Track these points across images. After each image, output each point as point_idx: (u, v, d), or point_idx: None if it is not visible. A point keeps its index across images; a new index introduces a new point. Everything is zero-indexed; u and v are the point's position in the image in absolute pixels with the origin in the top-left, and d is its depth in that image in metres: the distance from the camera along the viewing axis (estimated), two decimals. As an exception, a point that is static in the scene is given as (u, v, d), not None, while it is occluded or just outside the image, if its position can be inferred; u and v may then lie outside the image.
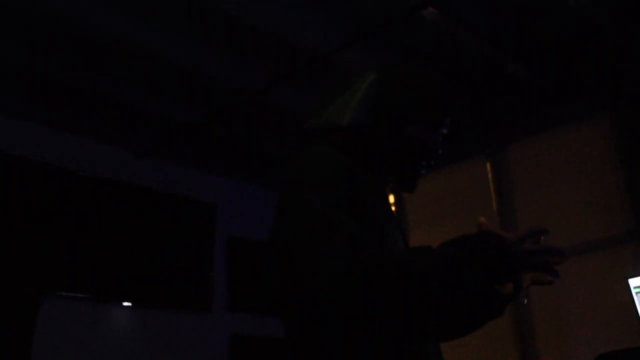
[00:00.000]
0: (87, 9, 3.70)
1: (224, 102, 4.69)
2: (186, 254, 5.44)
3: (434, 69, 1.62)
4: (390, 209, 1.55)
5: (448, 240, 1.26)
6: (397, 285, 1.17)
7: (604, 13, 4.06)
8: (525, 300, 1.42)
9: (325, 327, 1.26)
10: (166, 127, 5.03)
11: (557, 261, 1.32)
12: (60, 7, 3.66)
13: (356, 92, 1.55)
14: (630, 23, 4.20)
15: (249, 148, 5.53)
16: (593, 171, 4.70)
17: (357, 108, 1.52)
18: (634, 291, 3.88)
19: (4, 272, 4.37)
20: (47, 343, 4.44)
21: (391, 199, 5.90)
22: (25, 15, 3.72)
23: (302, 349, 1.32)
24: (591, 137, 4.78)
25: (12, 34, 3.89)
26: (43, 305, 4.50)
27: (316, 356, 1.29)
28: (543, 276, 1.42)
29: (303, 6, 3.86)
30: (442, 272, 1.19)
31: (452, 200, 5.55)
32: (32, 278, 4.49)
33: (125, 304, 4.99)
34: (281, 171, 1.42)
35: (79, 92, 4.53)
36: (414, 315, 1.23)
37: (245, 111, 4.84)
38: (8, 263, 4.40)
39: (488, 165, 5.36)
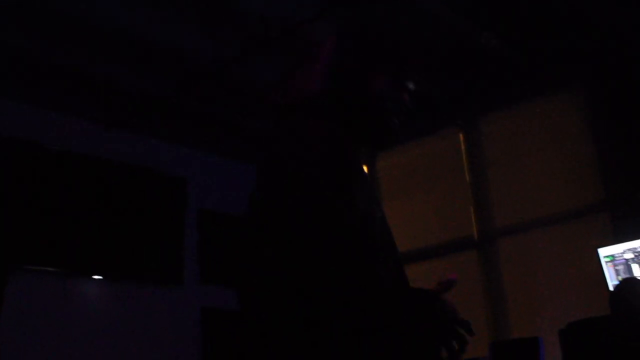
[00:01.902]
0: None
1: (195, 74, 4.63)
2: (157, 227, 5.39)
3: (399, 34, 1.63)
4: (368, 178, 1.55)
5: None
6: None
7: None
8: None
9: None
10: (136, 99, 4.94)
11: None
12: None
13: (318, 59, 1.56)
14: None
15: (219, 120, 5.47)
16: (565, 143, 4.73)
17: (322, 74, 1.53)
18: (603, 260, 3.93)
19: (-29, 247, 4.30)
20: (15, 318, 4.38)
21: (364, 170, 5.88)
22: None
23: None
24: (563, 109, 4.80)
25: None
26: (11, 279, 4.43)
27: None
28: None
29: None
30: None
31: (425, 172, 5.57)
32: (-1, 252, 4.43)
33: (96, 277, 4.94)
34: (269, 145, 1.41)
35: (47, 65, 4.43)
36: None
37: (216, 83, 4.78)
38: (-26, 237, 4.32)
39: (461, 137, 5.37)
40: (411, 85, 1.59)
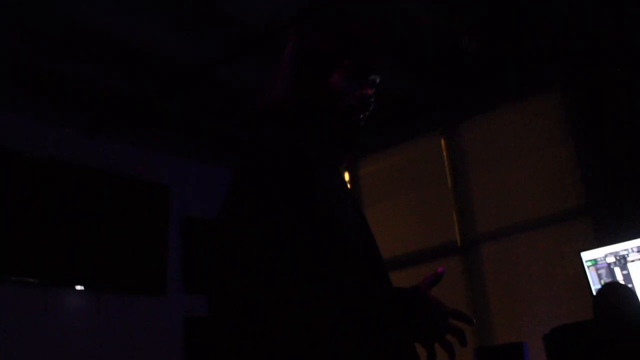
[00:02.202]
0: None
1: (176, 79, 4.60)
2: (140, 236, 5.34)
3: (367, 31, 1.64)
4: (345, 183, 1.54)
5: (389, 294, 1.30)
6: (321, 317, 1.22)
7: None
8: None
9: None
10: (116, 105, 4.91)
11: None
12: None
13: (281, 65, 1.57)
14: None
15: (201, 126, 5.45)
16: (546, 146, 4.74)
17: (284, 80, 1.53)
18: (586, 265, 3.94)
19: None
20: (-4, 330, 4.33)
21: (346, 176, 5.89)
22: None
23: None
24: (544, 112, 4.82)
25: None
26: (-9, 291, 4.38)
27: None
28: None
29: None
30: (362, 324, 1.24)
31: (407, 177, 5.57)
32: (-22, 264, 4.36)
33: (78, 287, 4.89)
34: (238, 154, 1.43)
35: (25, 70, 4.39)
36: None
37: (198, 88, 4.76)
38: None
39: (442, 142, 5.38)
40: (375, 78, 1.58)
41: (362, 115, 1.55)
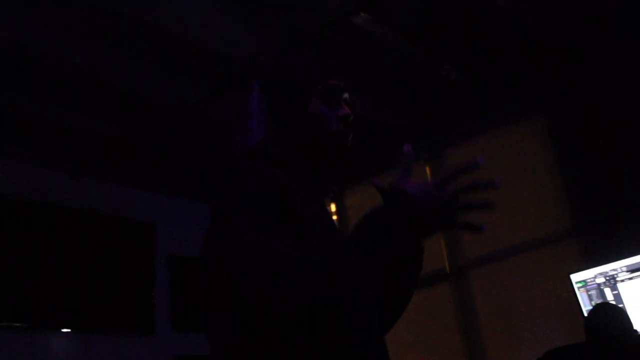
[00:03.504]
0: (12, 26, 3.57)
1: (159, 118, 4.60)
2: (126, 275, 5.29)
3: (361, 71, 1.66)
4: (329, 215, 1.55)
5: (359, 226, 1.27)
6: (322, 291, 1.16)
7: (536, 14, 4.13)
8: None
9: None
10: (100, 145, 4.89)
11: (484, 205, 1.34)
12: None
13: (251, 108, 1.62)
14: (562, 23, 4.29)
15: (186, 164, 5.43)
16: (531, 170, 4.76)
17: (259, 121, 1.57)
18: (576, 286, 3.94)
19: None
20: (-18, 377, 4.26)
21: (332, 208, 5.88)
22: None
23: None
24: (528, 137, 4.85)
25: None
26: (-24, 337, 4.31)
27: None
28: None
29: (236, 18, 3.82)
30: (362, 265, 1.21)
31: (393, 206, 5.55)
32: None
33: (65, 330, 4.82)
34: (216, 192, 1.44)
35: (7, 112, 4.37)
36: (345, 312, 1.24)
37: (181, 126, 4.75)
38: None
39: (427, 170, 5.39)
40: (347, 96, 1.58)
41: (349, 136, 1.55)
